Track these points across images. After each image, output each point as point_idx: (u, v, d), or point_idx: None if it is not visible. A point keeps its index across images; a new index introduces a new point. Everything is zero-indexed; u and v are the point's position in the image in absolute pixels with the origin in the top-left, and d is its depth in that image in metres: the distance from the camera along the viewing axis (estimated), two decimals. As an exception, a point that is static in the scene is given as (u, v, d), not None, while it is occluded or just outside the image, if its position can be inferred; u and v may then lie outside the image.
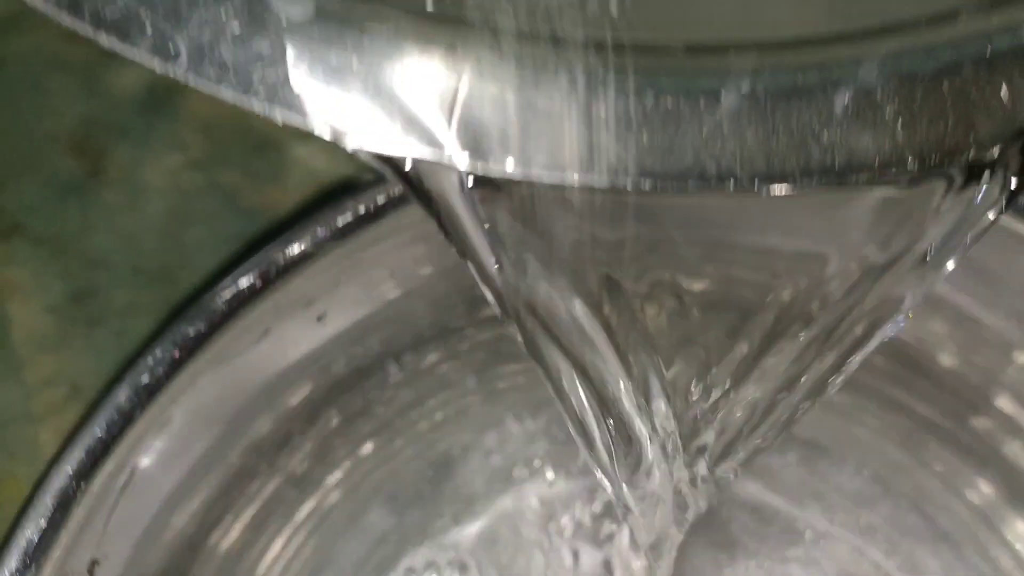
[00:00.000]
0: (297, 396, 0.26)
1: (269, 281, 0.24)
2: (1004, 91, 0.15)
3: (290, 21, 0.14)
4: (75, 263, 0.35)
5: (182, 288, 0.35)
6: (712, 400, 0.24)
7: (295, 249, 0.24)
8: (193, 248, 0.35)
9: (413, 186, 0.16)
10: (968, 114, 0.15)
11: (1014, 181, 0.16)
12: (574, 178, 0.15)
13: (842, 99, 0.15)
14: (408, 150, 0.15)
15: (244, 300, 0.24)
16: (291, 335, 0.25)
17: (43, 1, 0.14)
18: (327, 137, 0.14)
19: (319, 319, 0.25)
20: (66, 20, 0.14)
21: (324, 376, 0.26)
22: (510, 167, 0.15)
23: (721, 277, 0.22)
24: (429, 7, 0.15)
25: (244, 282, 0.24)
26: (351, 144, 0.14)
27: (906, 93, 0.15)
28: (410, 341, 0.29)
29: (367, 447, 0.32)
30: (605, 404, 0.22)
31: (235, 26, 0.14)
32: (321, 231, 0.24)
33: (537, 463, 0.39)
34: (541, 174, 0.15)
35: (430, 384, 0.31)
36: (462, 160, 0.15)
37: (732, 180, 0.15)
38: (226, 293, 0.24)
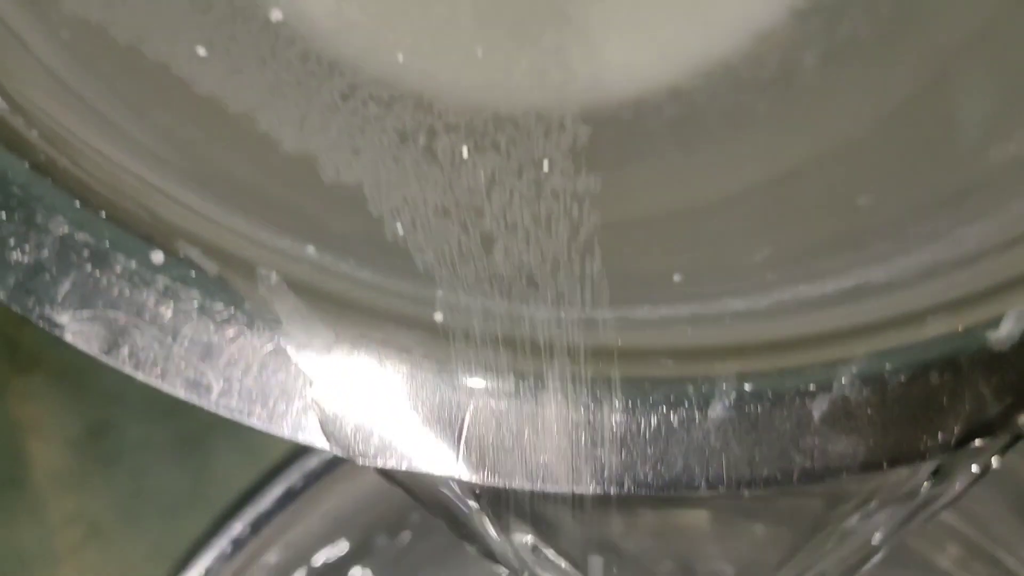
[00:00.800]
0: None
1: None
2: (971, 395, 0.16)
3: (311, 354, 0.16)
4: (92, 398, 0.36)
5: (196, 423, 0.36)
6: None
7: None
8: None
9: (411, 492, 0.17)
10: (937, 417, 0.16)
11: (976, 468, 0.18)
12: (571, 489, 0.16)
13: (820, 406, 0.16)
14: (416, 466, 0.16)
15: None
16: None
17: (84, 341, 0.15)
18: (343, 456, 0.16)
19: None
20: (103, 359, 0.15)
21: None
22: (509, 481, 0.16)
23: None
24: (438, 318, 0.17)
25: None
26: (366, 464, 0.16)
27: (879, 399, 0.16)
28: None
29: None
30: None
31: (263, 358, 0.16)
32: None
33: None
34: (539, 487, 0.16)
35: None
36: (465, 475, 0.16)
37: (719, 487, 0.16)
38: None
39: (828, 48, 0.25)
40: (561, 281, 0.18)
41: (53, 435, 0.36)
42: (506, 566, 0.18)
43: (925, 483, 0.18)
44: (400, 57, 0.23)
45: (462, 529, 0.18)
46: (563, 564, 0.18)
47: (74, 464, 0.35)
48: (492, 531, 0.18)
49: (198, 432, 0.35)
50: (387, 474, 0.17)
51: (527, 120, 0.23)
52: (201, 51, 0.20)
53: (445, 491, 0.17)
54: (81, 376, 0.36)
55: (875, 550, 0.20)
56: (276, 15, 0.22)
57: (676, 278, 0.20)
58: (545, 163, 0.21)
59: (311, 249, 0.18)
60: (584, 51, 0.24)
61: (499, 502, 0.17)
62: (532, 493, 0.17)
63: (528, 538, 0.18)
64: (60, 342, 0.36)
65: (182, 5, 0.21)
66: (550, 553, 0.18)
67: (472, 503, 0.17)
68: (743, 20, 0.25)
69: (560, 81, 0.24)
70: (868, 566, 0.20)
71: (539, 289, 0.17)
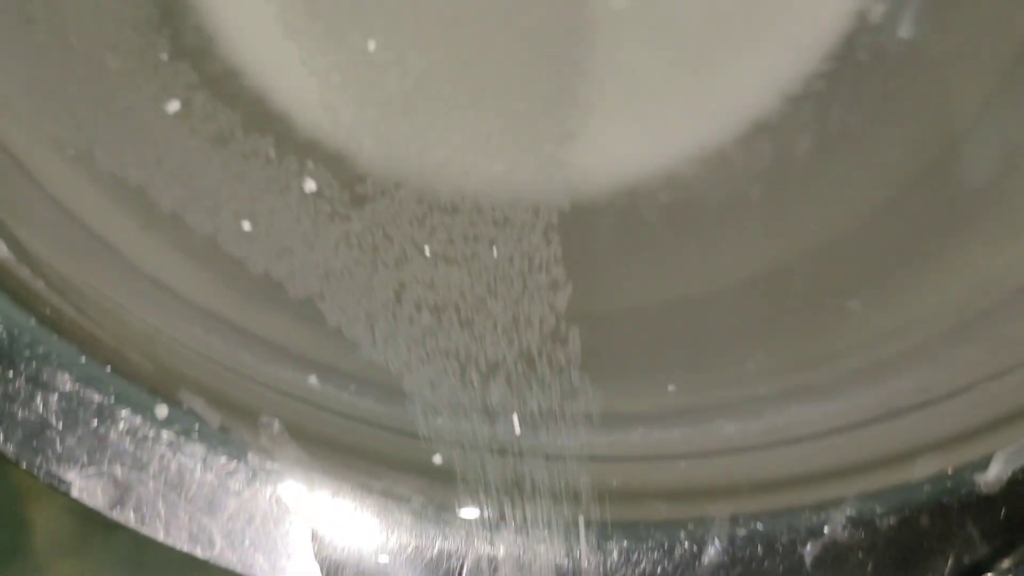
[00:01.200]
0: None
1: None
2: (960, 537, 0.17)
3: (313, 505, 0.16)
4: (94, 465, 0.36)
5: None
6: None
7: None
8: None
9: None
10: (927, 560, 0.17)
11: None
12: (568, 635, 0.16)
13: (812, 551, 0.17)
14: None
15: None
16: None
17: (89, 497, 0.16)
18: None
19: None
20: (108, 514, 0.16)
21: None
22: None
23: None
24: (437, 460, 0.17)
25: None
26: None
27: (869, 542, 0.17)
28: None
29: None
30: None
31: (265, 510, 0.16)
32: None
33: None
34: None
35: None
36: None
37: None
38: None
39: (821, 136, 0.25)
40: (553, 399, 0.18)
41: (55, 503, 0.36)
42: None
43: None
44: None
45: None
46: None
47: (76, 531, 0.35)
48: None
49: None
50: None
51: (519, 212, 0.23)
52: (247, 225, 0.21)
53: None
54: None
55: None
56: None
57: (671, 388, 0.20)
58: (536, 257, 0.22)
59: (313, 379, 0.18)
60: (583, 140, 0.25)
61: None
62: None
63: None
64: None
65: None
66: None
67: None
68: (738, 108, 0.25)
69: (557, 172, 0.24)
70: None
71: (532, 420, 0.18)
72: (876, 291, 0.22)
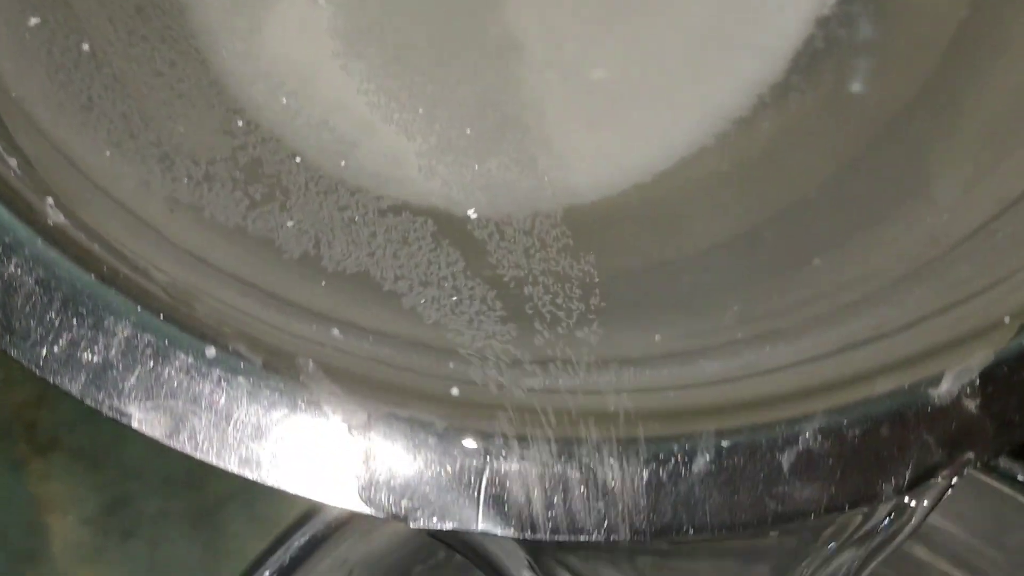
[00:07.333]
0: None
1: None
2: (917, 444, 0.19)
3: (349, 428, 0.18)
4: (109, 475, 0.38)
5: (209, 496, 0.38)
6: None
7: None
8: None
9: (452, 547, 0.20)
10: (889, 464, 0.19)
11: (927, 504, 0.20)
12: (575, 538, 0.18)
13: (788, 458, 0.19)
14: (444, 524, 0.18)
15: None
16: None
17: (149, 427, 0.17)
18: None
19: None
20: (167, 442, 0.18)
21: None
22: (523, 533, 0.18)
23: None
24: (455, 392, 0.19)
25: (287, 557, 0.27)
26: (412, 526, 0.18)
27: (837, 450, 0.19)
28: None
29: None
30: None
31: (306, 437, 0.18)
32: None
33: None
34: (548, 537, 0.18)
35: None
36: (484, 528, 0.18)
37: (704, 533, 0.18)
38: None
39: (783, 118, 0.27)
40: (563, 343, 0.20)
41: (71, 510, 0.38)
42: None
43: (885, 520, 0.20)
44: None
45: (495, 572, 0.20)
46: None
47: (91, 537, 0.37)
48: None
49: (212, 505, 0.37)
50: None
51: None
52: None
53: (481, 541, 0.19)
54: (98, 455, 0.38)
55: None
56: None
57: (657, 338, 0.22)
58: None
59: (336, 331, 0.20)
60: (560, 149, 0.27)
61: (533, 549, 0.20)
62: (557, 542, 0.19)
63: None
64: (76, 424, 0.39)
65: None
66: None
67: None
68: (713, 109, 0.28)
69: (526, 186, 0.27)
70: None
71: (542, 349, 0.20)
72: (837, 250, 0.24)
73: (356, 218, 0.23)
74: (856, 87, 0.27)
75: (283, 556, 0.26)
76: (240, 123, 0.24)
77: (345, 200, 0.23)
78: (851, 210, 0.25)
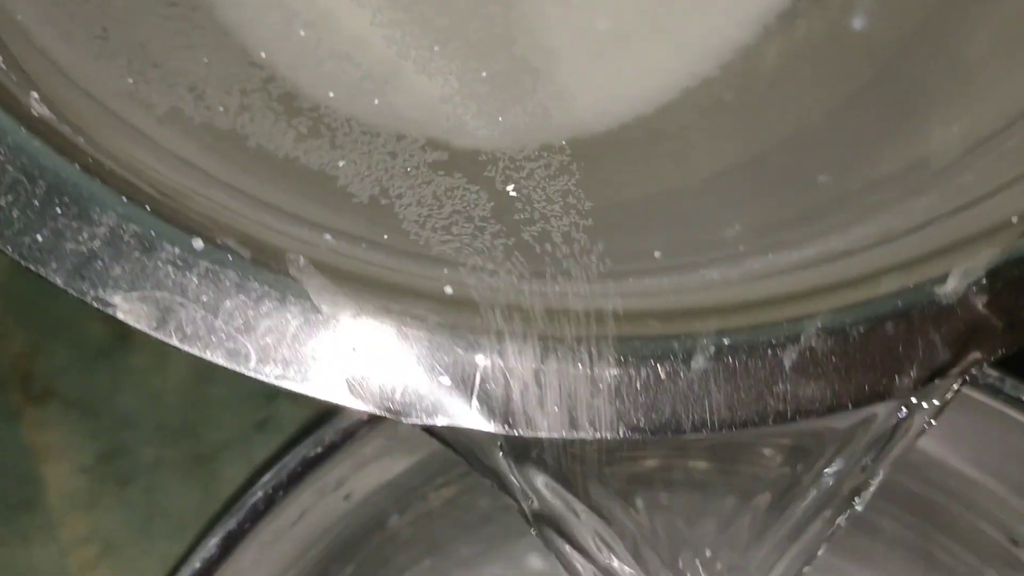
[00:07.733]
0: (316, 556, 0.29)
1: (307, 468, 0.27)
2: (923, 343, 0.18)
3: (338, 321, 0.17)
4: (105, 424, 0.38)
5: (205, 443, 0.38)
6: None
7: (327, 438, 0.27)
8: (215, 405, 0.38)
9: (444, 441, 0.19)
10: (895, 363, 0.18)
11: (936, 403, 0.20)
12: (572, 436, 0.18)
13: (790, 356, 0.18)
14: (435, 419, 0.18)
15: (283, 488, 0.27)
16: (323, 517, 0.28)
17: (134, 318, 0.17)
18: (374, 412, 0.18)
19: (346, 498, 0.28)
20: (153, 334, 0.17)
21: (341, 538, 0.29)
22: (517, 430, 0.18)
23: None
24: (449, 291, 0.19)
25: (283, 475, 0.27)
26: (400, 420, 0.17)
27: (841, 348, 0.18)
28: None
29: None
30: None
31: (295, 329, 0.17)
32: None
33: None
34: (543, 434, 0.18)
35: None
36: (478, 425, 0.18)
37: (704, 430, 0.18)
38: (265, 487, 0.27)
39: (788, 45, 0.27)
40: (559, 252, 0.20)
41: (67, 459, 0.37)
42: (516, 498, 0.20)
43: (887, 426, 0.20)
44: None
45: (486, 468, 0.19)
46: (568, 496, 0.20)
47: (87, 486, 0.37)
48: (512, 471, 0.20)
49: (208, 452, 0.37)
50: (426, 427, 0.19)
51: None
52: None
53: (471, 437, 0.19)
54: (93, 404, 0.38)
55: (849, 502, 0.22)
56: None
57: (656, 255, 0.22)
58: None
59: (328, 237, 0.20)
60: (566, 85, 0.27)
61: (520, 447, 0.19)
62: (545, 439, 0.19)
63: (540, 478, 0.20)
64: (71, 374, 0.38)
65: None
66: (558, 488, 0.20)
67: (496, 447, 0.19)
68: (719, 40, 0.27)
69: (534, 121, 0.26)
70: (845, 517, 0.22)
71: (535, 260, 0.19)
72: (843, 167, 0.24)
73: (399, 155, 0.23)
74: (863, 11, 0.26)
75: (279, 475, 0.26)
76: (263, 55, 0.24)
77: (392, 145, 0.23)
78: (858, 132, 0.25)
